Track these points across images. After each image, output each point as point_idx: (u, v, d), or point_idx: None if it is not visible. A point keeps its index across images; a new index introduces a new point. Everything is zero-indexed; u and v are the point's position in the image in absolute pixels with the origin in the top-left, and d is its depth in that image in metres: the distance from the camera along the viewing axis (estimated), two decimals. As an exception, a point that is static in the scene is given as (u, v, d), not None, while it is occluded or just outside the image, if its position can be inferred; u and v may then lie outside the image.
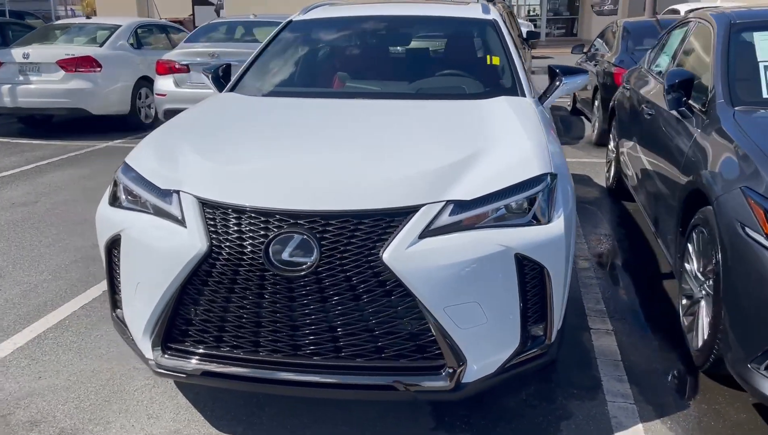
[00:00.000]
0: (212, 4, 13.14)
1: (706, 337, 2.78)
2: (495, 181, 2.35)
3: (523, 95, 3.32)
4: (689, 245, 3.11)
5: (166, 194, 2.45)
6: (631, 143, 4.83)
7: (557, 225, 2.35)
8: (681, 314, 3.19)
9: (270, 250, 2.21)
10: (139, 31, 9.80)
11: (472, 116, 2.94)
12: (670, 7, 14.90)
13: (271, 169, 2.46)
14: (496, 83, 3.45)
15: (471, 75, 3.59)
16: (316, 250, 2.18)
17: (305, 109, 3.15)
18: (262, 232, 2.24)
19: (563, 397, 2.74)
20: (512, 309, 2.29)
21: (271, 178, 2.40)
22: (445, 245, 2.20)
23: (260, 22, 9.07)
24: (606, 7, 10.75)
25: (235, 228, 2.27)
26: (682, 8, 13.44)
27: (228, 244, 2.26)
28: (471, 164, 2.42)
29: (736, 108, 3.17)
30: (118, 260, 2.56)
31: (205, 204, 2.35)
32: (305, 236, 2.20)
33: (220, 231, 2.28)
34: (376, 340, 2.24)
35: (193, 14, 13.17)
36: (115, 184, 2.67)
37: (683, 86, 3.52)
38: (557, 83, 3.51)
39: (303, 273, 2.19)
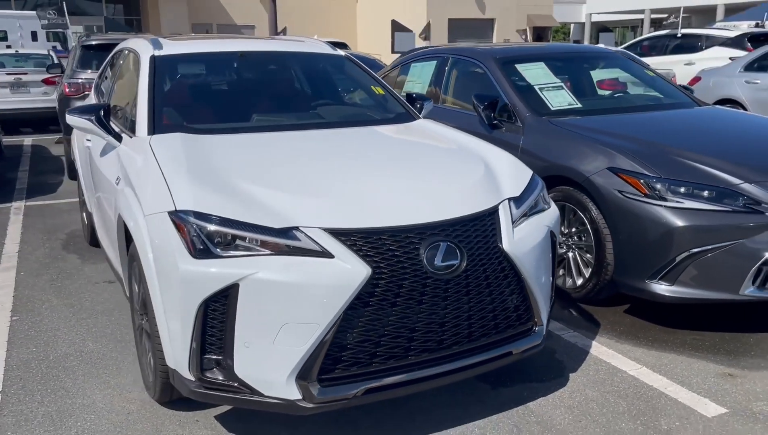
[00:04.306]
0: None
1: (588, 276, 3.99)
2: (517, 183, 3.06)
3: (419, 117, 4.01)
4: (542, 218, 4.29)
5: (284, 232, 2.44)
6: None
7: (554, 207, 3.21)
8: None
9: (425, 259, 2.51)
10: None
11: (432, 136, 3.53)
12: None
13: (371, 194, 2.66)
14: (394, 108, 4.02)
15: (366, 103, 4.09)
16: (459, 252, 2.58)
17: (289, 142, 3.24)
18: (411, 247, 2.51)
19: (534, 341, 3.59)
20: (550, 271, 3.05)
21: (381, 201, 2.62)
22: (526, 232, 2.85)
23: None
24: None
25: (385, 247, 2.48)
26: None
27: (386, 262, 2.45)
28: (491, 172, 3.07)
29: (543, 117, 4.48)
30: (225, 314, 2.42)
31: (339, 233, 2.46)
32: (449, 242, 2.57)
33: (370, 253, 2.45)
34: (495, 319, 2.74)
35: None
36: (187, 235, 2.45)
37: (491, 106, 4.70)
38: (418, 106, 4.29)
39: (457, 273, 2.56)
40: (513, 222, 2.81)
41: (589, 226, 3.93)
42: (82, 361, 3.41)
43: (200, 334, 2.45)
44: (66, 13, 10.65)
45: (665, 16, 42.46)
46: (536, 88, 4.81)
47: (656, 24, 43.37)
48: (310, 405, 2.43)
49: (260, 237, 2.44)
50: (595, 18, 44.12)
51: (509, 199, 2.89)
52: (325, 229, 2.47)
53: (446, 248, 2.56)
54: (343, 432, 2.78)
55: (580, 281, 4.06)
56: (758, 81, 9.06)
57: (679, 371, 3.25)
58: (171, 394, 2.84)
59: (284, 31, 12.86)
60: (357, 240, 2.47)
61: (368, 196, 2.66)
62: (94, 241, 5.17)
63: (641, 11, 40.83)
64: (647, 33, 38.53)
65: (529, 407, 2.95)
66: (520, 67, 5.02)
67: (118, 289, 4.37)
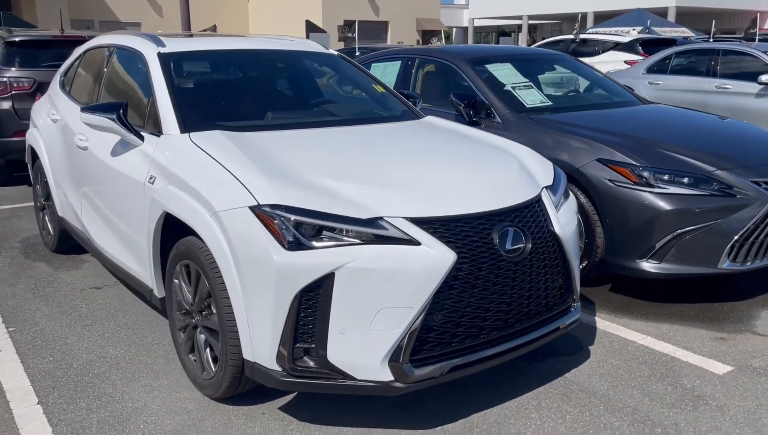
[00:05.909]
0: None
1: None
2: (546, 173, 3.31)
3: (423, 115, 4.18)
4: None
5: (371, 222, 2.55)
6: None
7: (572, 194, 3.50)
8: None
9: (497, 244, 2.70)
10: None
11: (454, 132, 3.70)
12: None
13: (438, 184, 2.81)
14: (398, 106, 4.15)
15: (373, 101, 4.19)
16: (524, 236, 2.79)
17: (331, 138, 3.28)
18: (485, 232, 2.69)
19: (545, 320, 3.87)
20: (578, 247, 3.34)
21: (448, 191, 2.78)
22: (566, 216, 3.11)
23: None
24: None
25: (463, 234, 2.64)
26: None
27: (466, 247, 2.62)
28: (523, 163, 3.31)
29: (521, 114, 4.79)
30: (318, 303, 2.49)
31: (420, 222, 2.60)
32: (516, 227, 2.77)
33: (452, 239, 2.61)
34: (547, 297, 2.98)
35: None
36: (276, 228, 2.49)
37: (471, 105, 4.96)
38: (411, 102, 4.46)
39: (524, 256, 2.77)
40: (555, 206, 3.07)
41: (578, 213, 4.27)
42: (110, 366, 3.29)
43: (293, 324, 2.50)
44: None
45: (542, 22, 45.14)
46: (509, 87, 5.13)
47: (533, 29, 46.00)
48: (402, 385, 2.55)
49: (348, 227, 2.53)
50: (477, 23, 46.04)
51: (546, 188, 3.14)
52: (408, 218, 2.60)
53: (514, 233, 2.77)
54: (409, 414, 2.91)
55: (569, 265, 4.40)
56: (660, 82, 9.98)
57: (680, 338, 3.65)
58: (237, 389, 2.84)
59: (214, 28, 12.56)
60: (437, 227, 2.62)
61: (435, 186, 2.80)
62: (61, 248, 4.93)
63: (519, 17, 43.06)
64: (525, 37, 40.66)
65: (568, 378, 3.21)
66: (490, 67, 5.32)
67: (111, 294, 4.21)
